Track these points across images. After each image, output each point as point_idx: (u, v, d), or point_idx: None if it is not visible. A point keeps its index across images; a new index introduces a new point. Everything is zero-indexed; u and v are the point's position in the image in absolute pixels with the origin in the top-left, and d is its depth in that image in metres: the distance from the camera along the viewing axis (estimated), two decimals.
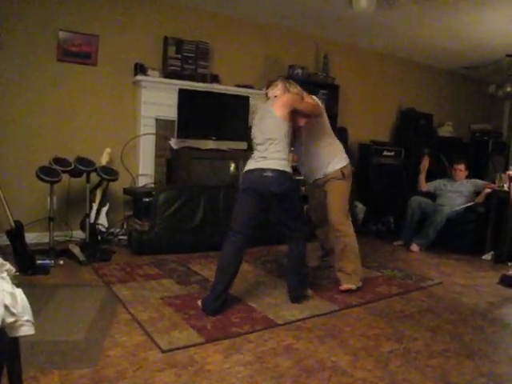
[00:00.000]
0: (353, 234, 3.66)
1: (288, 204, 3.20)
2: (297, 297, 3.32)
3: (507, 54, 6.74)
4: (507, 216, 5.05)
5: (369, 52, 7.18)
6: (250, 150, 5.51)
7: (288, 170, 3.11)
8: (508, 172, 5.51)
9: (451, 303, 3.57)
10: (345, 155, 3.74)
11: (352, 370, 2.39)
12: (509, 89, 7.24)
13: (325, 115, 3.66)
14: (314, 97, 3.59)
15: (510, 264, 4.83)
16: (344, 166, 3.65)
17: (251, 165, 3.15)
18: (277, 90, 3.37)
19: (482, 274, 4.50)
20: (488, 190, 5.34)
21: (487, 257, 5.12)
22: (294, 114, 3.24)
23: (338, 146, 3.75)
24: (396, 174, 6.96)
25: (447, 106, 8.46)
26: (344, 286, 3.60)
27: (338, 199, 3.63)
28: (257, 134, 3.21)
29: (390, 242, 5.67)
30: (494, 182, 5.58)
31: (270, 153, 3.09)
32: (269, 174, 3.04)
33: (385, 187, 6.80)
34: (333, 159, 3.64)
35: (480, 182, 5.61)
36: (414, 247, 5.30)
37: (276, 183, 3.05)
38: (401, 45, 6.77)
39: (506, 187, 5.22)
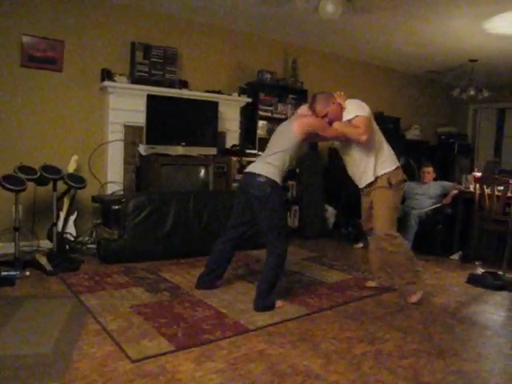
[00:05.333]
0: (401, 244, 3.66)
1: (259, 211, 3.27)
2: (255, 305, 3.28)
3: (470, 58, 6.93)
4: (473, 216, 5.16)
5: (337, 57, 7.27)
6: (219, 155, 5.53)
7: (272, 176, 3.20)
8: (473, 173, 5.64)
9: (421, 303, 3.62)
10: (391, 162, 3.65)
11: (325, 374, 2.39)
12: (472, 92, 7.42)
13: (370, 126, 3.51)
14: (359, 113, 3.45)
15: (477, 263, 4.94)
16: (388, 173, 3.58)
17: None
18: (304, 109, 3.60)
19: (451, 274, 4.59)
20: (455, 192, 5.44)
21: (455, 257, 5.23)
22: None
23: (383, 153, 3.64)
24: None
25: (414, 109, 8.62)
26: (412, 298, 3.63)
27: (383, 209, 3.60)
28: (269, 144, 3.44)
29: None
30: (461, 184, 5.70)
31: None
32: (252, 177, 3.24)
33: (355, 190, 6.85)
34: (375, 167, 3.59)
35: (447, 183, 5.70)
36: None
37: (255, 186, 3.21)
38: (368, 50, 6.88)
39: (471, 188, 5.34)
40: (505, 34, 5.59)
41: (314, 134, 3.40)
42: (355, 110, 3.47)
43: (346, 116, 3.50)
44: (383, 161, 3.61)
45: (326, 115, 3.43)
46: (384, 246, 3.62)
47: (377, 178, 3.59)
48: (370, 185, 3.63)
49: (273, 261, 3.24)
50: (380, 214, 3.61)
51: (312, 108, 3.47)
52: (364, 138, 3.37)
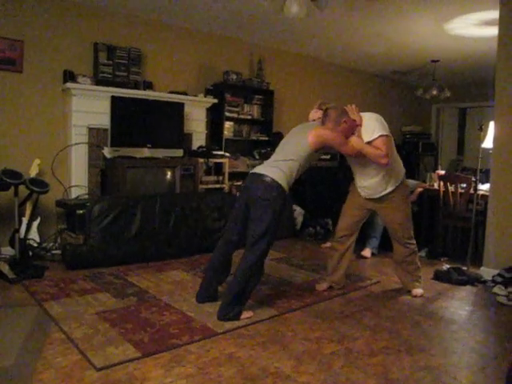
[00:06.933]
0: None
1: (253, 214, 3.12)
2: (220, 315, 3.08)
3: (432, 59, 7.08)
4: (438, 213, 5.26)
5: (302, 57, 7.30)
6: (186, 156, 5.48)
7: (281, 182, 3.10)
8: (437, 171, 5.76)
9: (389, 301, 3.67)
10: (403, 169, 3.69)
11: (295, 375, 2.38)
12: (434, 92, 7.58)
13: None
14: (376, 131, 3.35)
15: (442, 259, 5.03)
16: (403, 181, 3.66)
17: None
18: (318, 114, 3.56)
19: None
20: (420, 189, 5.53)
21: (421, 253, 5.28)
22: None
23: (397, 162, 3.64)
24: (332, 177, 7.09)
25: (379, 109, 8.66)
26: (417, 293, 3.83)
27: (405, 215, 3.70)
28: (278, 149, 3.35)
29: None
30: (425, 182, 5.81)
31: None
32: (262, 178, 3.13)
33: (322, 190, 6.91)
34: (394, 178, 3.59)
35: (412, 181, 5.78)
36: (367, 252, 5.16)
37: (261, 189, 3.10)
38: (333, 50, 6.93)
39: (436, 186, 5.44)
40: (464, 35, 5.73)
41: (330, 146, 3.32)
42: (377, 128, 3.37)
43: (366, 134, 3.38)
44: (399, 170, 3.65)
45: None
46: (411, 247, 3.77)
47: (395, 188, 3.61)
48: (385, 195, 3.63)
49: (250, 263, 3.06)
50: (404, 221, 3.70)
51: (323, 124, 3.38)
52: (385, 161, 3.30)
